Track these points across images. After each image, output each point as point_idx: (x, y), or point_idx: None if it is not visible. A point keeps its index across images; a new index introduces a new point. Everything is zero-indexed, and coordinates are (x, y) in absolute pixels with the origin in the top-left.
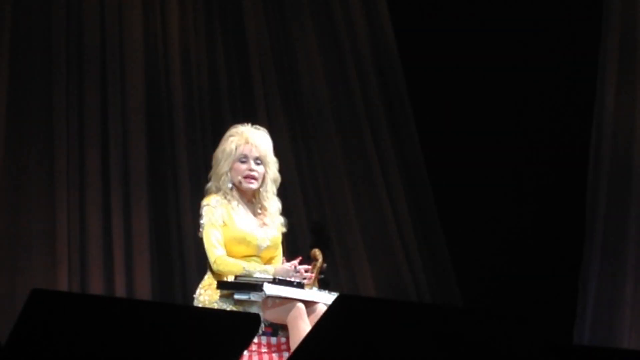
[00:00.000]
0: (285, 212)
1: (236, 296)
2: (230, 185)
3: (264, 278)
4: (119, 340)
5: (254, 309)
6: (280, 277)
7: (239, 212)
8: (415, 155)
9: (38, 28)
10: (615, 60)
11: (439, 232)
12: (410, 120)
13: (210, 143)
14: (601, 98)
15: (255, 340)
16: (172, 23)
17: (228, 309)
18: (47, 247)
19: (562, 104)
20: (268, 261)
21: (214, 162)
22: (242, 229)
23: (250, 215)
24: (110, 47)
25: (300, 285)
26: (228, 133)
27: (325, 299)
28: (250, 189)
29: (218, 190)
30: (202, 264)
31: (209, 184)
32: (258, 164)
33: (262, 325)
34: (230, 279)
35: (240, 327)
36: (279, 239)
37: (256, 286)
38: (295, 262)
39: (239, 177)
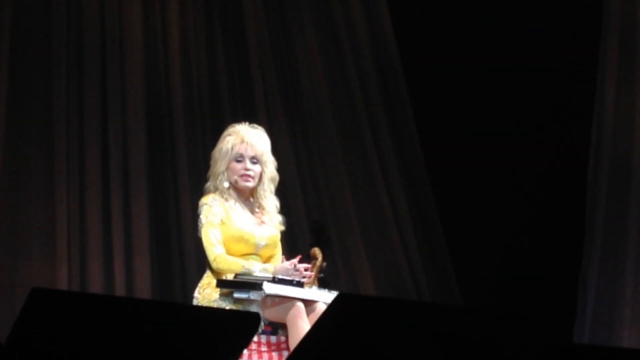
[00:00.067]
0: (285, 212)
1: (236, 295)
2: (227, 184)
3: (264, 277)
4: (119, 339)
5: (253, 308)
6: (280, 276)
7: (236, 210)
8: (415, 155)
9: (38, 28)
10: (615, 60)
11: (439, 231)
12: (410, 120)
13: (210, 143)
14: (601, 98)
15: (255, 339)
16: (172, 23)
17: (227, 307)
18: (47, 247)
19: (562, 104)
20: (267, 260)
21: (211, 162)
22: (240, 228)
23: (248, 213)
24: (110, 47)
25: (299, 284)
26: (225, 132)
27: (324, 297)
28: (247, 187)
29: (216, 189)
30: (202, 264)
31: (208, 183)
32: (254, 162)
33: (262, 324)
34: (230, 277)
35: (240, 325)
36: (277, 237)
37: (256, 285)
38: (295, 260)
39: (235, 177)
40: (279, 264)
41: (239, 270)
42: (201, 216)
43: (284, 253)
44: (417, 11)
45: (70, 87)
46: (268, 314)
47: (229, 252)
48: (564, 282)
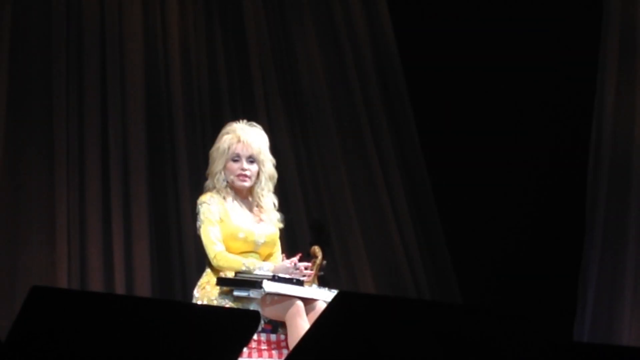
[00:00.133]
0: (285, 211)
1: (235, 293)
2: (224, 183)
3: (264, 275)
4: (119, 337)
5: (252, 306)
6: (280, 275)
7: (235, 208)
8: (415, 155)
9: (38, 28)
10: (615, 60)
11: (439, 231)
12: (410, 120)
13: (210, 143)
14: (601, 98)
15: (255, 337)
16: (172, 23)
17: (227, 305)
18: (47, 246)
19: (562, 104)
20: (266, 258)
21: (210, 160)
22: (238, 225)
23: (246, 211)
24: (110, 47)
25: (299, 283)
26: (223, 130)
27: (324, 296)
28: (244, 187)
29: (214, 188)
30: (202, 263)
31: (207, 182)
32: (251, 162)
33: (262, 322)
34: (229, 275)
35: (239, 324)
36: (276, 235)
37: (255, 283)
38: (295, 259)
39: (232, 176)
40: (279, 262)
41: (239, 267)
42: (200, 214)
43: (284, 252)
44: (417, 11)
45: (70, 87)
46: (267, 312)
47: (228, 250)
48: (564, 281)
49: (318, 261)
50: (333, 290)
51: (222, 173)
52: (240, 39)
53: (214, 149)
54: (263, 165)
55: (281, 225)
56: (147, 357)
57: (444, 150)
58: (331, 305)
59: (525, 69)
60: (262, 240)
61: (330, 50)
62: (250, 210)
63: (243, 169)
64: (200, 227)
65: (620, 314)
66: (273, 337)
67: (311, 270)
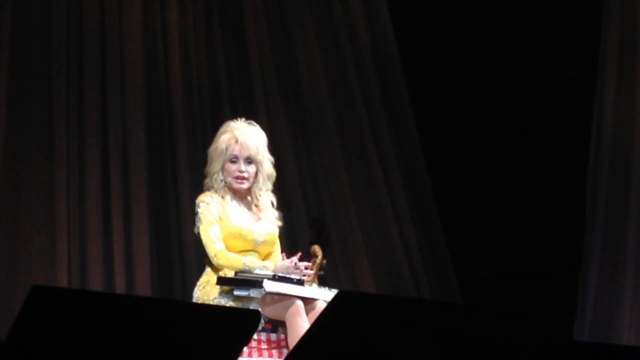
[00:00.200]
0: (285, 211)
1: (236, 292)
2: (222, 183)
3: (264, 274)
4: (119, 336)
5: (253, 306)
6: (281, 274)
7: (234, 207)
8: (415, 155)
9: (38, 28)
10: (615, 60)
11: (438, 230)
12: (410, 120)
13: (210, 143)
14: (601, 98)
15: (255, 336)
16: (172, 23)
17: (227, 305)
18: (47, 246)
19: (562, 104)
20: (266, 257)
21: (208, 159)
22: (237, 224)
23: (245, 210)
24: (110, 47)
25: (300, 282)
26: (221, 129)
27: (325, 295)
28: (241, 189)
29: (212, 187)
30: (201, 263)
31: (206, 180)
32: (249, 163)
33: (262, 321)
34: (229, 274)
35: (240, 323)
36: (275, 234)
37: (256, 282)
38: (295, 258)
39: (229, 178)
40: (279, 261)
41: (240, 266)
42: (199, 214)
43: (283, 251)
44: (417, 11)
45: (70, 87)
46: (267, 312)
47: (228, 249)
48: (564, 281)
49: (318, 260)
50: (333, 289)
51: (220, 173)
52: (240, 39)
53: (212, 148)
54: (261, 166)
55: (280, 224)
56: (148, 357)
57: (443, 150)
58: (331, 304)
59: (525, 69)
60: (261, 239)
61: (330, 50)
62: (249, 209)
63: (241, 171)
64: (199, 226)
65: (621, 314)
66: (273, 336)
67: (311, 269)
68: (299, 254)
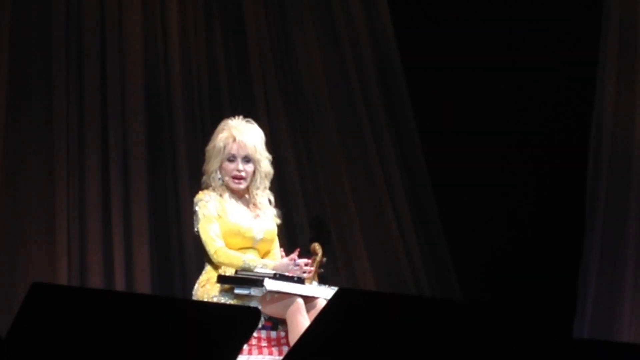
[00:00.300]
0: (285, 210)
1: (237, 291)
2: (220, 182)
3: (265, 273)
4: (119, 333)
5: (253, 304)
6: (281, 273)
7: (232, 205)
8: (415, 154)
9: (38, 28)
10: (614, 59)
11: (438, 229)
12: (410, 119)
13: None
14: (601, 98)
15: (255, 334)
16: (172, 23)
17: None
18: (47, 245)
19: (562, 104)
20: (265, 254)
21: (206, 157)
22: (235, 222)
23: (243, 208)
24: (110, 47)
25: (300, 281)
26: (219, 127)
27: (325, 294)
28: (239, 189)
29: (210, 185)
30: (201, 262)
31: (204, 177)
32: (247, 161)
33: (262, 319)
34: (229, 272)
35: (240, 320)
36: (274, 232)
37: (257, 281)
38: (294, 255)
39: (227, 177)
40: (278, 259)
41: (239, 263)
42: (197, 212)
43: (285, 251)
44: (417, 11)
45: (70, 87)
46: (268, 310)
47: (227, 246)
48: (564, 279)
49: (318, 258)
50: (333, 287)
51: (218, 172)
52: (240, 38)
53: (210, 146)
54: (259, 164)
55: (279, 221)
56: (148, 354)
57: (444, 149)
58: (331, 302)
59: (525, 69)
60: (260, 236)
61: (330, 50)
62: (247, 206)
63: (238, 170)
64: (198, 224)
65: (620, 312)
66: (273, 334)
67: (311, 267)
68: (298, 250)
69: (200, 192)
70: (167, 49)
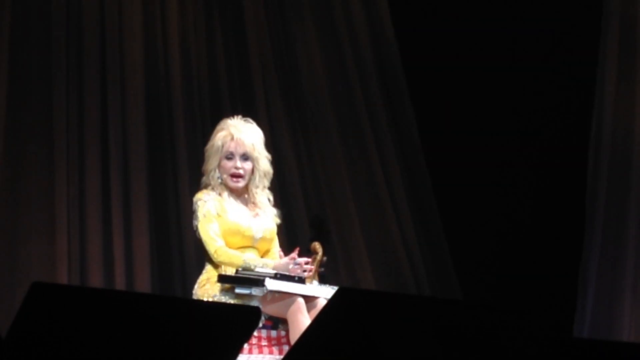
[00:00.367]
0: (285, 210)
1: (237, 290)
2: (219, 180)
3: (266, 273)
4: (119, 333)
5: (254, 304)
6: (282, 272)
7: (231, 204)
8: (416, 153)
9: (38, 28)
10: (615, 58)
11: (439, 227)
12: (410, 119)
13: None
14: (601, 97)
15: (256, 333)
16: (172, 23)
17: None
18: (47, 243)
19: (562, 103)
20: (265, 253)
21: (205, 157)
22: (235, 221)
23: (242, 207)
24: (110, 47)
25: (301, 280)
26: (218, 127)
27: (326, 293)
28: (237, 187)
29: (209, 184)
30: (202, 261)
31: (203, 178)
32: (245, 159)
33: (262, 318)
34: (229, 272)
35: (240, 320)
36: (274, 230)
37: (258, 281)
38: (294, 254)
39: (225, 175)
40: (278, 260)
41: (240, 263)
42: (197, 212)
43: (283, 250)
44: (417, 11)
45: (70, 87)
46: (269, 310)
47: (227, 245)
48: (564, 279)
49: (318, 257)
50: (334, 287)
51: (217, 170)
52: (241, 38)
53: (208, 146)
54: (257, 162)
55: (278, 221)
56: (148, 353)
57: (444, 149)
58: (331, 301)
59: (525, 69)
60: (259, 235)
61: (330, 50)
62: (246, 205)
63: (237, 168)
64: (198, 224)
65: (620, 311)
66: (273, 333)
67: (311, 266)
68: (297, 249)
69: (199, 191)
70: (167, 49)
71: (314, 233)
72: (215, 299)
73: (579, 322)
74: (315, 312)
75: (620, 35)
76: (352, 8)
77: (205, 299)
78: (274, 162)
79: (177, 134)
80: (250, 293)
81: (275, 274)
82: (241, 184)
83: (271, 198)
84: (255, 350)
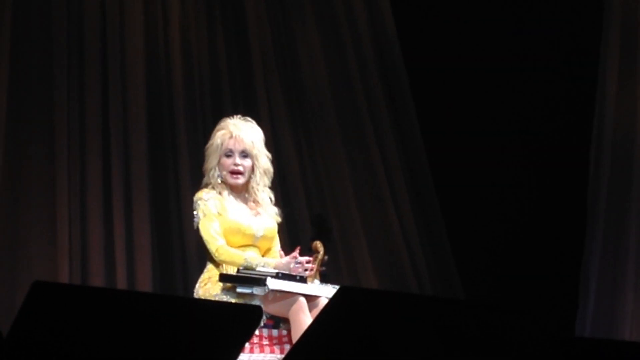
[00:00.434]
0: (287, 208)
1: (239, 289)
2: (219, 179)
3: (267, 272)
4: (121, 332)
5: (255, 303)
6: (284, 272)
7: (231, 203)
8: (418, 152)
9: (39, 27)
10: (616, 58)
11: (441, 227)
12: (412, 118)
13: None
14: (602, 96)
15: (257, 332)
16: (173, 21)
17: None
18: (48, 242)
19: (564, 102)
20: (265, 252)
21: (205, 156)
22: (235, 220)
23: (243, 205)
24: (111, 46)
25: (303, 280)
26: (217, 126)
27: (327, 292)
28: (237, 184)
29: (209, 184)
30: (203, 260)
31: (204, 179)
32: (244, 156)
33: (264, 317)
34: (231, 271)
35: (242, 319)
36: (274, 229)
37: (260, 281)
38: (295, 253)
39: (224, 173)
40: (279, 260)
41: (241, 261)
42: (197, 211)
43: (284, 248)
44: (419, 10)
45: (71, 86)
46: (270, 309)
47: (228, 244)
48: (566, 278)
49: (320, 256)
50: (335, 286)
51: (216, 169)
52: (242, 38)
53: (208, 145)
54: (257, 160)
55: (279, 220)
56: (150, 352)
57: (446, 149)
58: (333, 300)
59: (527, 69)
60: (260, 234)
61: (332, 49)
62: (247, 204)
63: (236, 164)
64: (198, 223)
65: (622, 309)
66: (275, 332)
67: (313, 264)
68: (299, 248)
69: (199, 190)
70: (168, 47)
71: (316, 232)
72: (217, 298)
73: (580, 321)
74: (317, 311)
75: (621, 35)
76: (354, 8)
77: (206, 298)
78: (276, 161)
79: (178, 133)
80: (252, 292)
81: (277, 273)
82: (241, 180)
83: (272, 197)
84: (256, 349)
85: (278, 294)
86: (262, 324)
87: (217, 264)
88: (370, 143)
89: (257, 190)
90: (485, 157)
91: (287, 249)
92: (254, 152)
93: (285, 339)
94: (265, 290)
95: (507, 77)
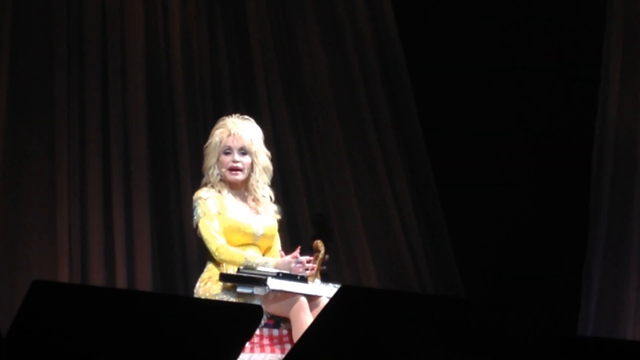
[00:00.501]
0: (287, 207)
1: (239, 289)
2: (218, 177)
3: (268, 272)
4: (121, 331)
5: (255, 303)
6: (284, 272)
7: (231, 201)
8: (419, 151)
9: (38, 27)
10: (619, 57)
11: (442, 226)
12: (414, 117)
13: None
14: (605, 96)
15: (257, 332)
16: (173, 21)
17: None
18: (48, 242)
19: (566, 101)
20: (265, 251)
21: (204, 155)
22: (235, 219)
23: (242, 204)
24: (111, 45)
25: (303, 280)
26: (216, 125)
27: (328, 292)
28: (236, 180)
29: (209, 183)
30: (203, 259)
31: (203, 178)
32: (243, 154)
33: (264, 317)
34: (231, 270)
35: (242, 318)
36: (274, 227)
37: (260, 280)
38: (296, 253)
39: (223, 170)
40: (280, 259)
41: (241, 260)
42: (197, 210)
43: (285, 248)
44: (421, 9)
45: (71, 86)
46: (271, 309)
47: (228, 243)
48: (568, 278)
49: (321, 255)
50: (336, 285)
51: (215, 167)
52: (243, 37)
53: (207, 144)
54: (256, 157)
55: (279, 217)
56: (150, 352)
57: (448, 149)
58: (334, 299)
59: (529, 68)
60: (260, 232)
61: (333, 48)
62: (246, 202)
63: (235, 161)
64: (198, 222)
65: (625, 308)
66: (275, 332)
67: (314, 264)
68: (299, 248)
69: (199, 189)
70: (168, 47)
71: (316, 231)
72: (217, 298)
73: (583, 320)
74: (318, 310)
75: (624, 34)
76: (355, 7)
77: (207, 297)
78: (277, 160)
79: (178, 133)
80: (252, 292)
81: (278, 273)
82: (240, 177)
83: (272, 195)
84: (257, 349)
85: (279, 294)
86: (262, 324)
87: (217, 264)
88: (371, 142)
89: (257, 188)
90: (487, 156)
91: (287, 248)
92: (253, 149)
93: (285, 339)
94: (265, 290)
95: (509, 76)
